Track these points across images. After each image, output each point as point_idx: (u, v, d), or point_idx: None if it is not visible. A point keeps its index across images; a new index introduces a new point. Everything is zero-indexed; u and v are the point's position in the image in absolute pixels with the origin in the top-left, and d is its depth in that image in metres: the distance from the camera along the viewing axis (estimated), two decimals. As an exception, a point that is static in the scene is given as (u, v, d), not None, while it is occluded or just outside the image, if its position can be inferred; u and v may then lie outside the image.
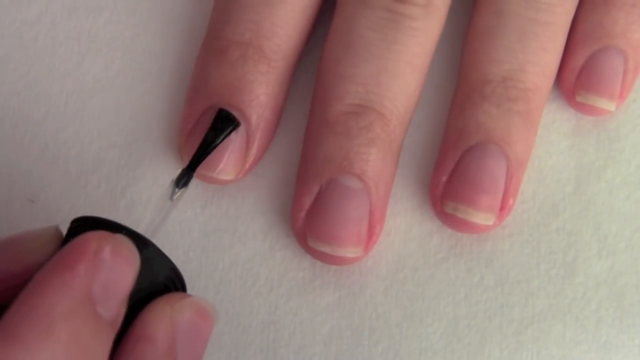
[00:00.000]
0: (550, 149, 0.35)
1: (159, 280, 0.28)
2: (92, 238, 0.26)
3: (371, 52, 0.34)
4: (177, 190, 0.31)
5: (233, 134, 0.33)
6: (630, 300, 0.34)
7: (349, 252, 0.33)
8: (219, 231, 0.35)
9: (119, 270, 0.26)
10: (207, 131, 0.32)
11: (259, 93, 0.34)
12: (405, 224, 0.35)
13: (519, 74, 0.34)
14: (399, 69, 0.34)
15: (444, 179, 0.34)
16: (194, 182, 0.35)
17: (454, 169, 0.34)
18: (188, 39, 0.37)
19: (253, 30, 0.34)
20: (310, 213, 0.33)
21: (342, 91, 0.34)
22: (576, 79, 0.35)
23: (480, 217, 0.33)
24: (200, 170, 0.33)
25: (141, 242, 0.27)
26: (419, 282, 0.34)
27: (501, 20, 0.35)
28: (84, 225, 0.28)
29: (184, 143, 0.34)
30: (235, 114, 0.33)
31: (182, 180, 0.31)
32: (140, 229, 0.29)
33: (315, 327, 0.34)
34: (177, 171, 0.31)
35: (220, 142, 0.32)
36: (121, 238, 0.27)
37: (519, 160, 0.34)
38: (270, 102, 0.34)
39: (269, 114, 0.34)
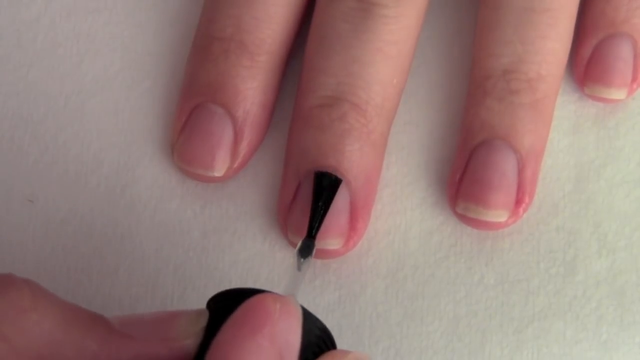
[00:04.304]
0: (550, 148, 0.35)
1: (312, 340, 0.28)
2: (269, 299, 0.26)
3: (341, 43, 0.34)
4: (302, 260, 0.31)
5: (222, 130, 0.34)
6: (631, 298, 0.34)
7: (329, 244, 0.33)
8: (219, 231, 0.35)
9: (292, 328, 0.26)
10: (314, 196, 0.32)
11: (243, 88, 0.34)
12: (405, 223, 0.35)
13: (519, 65, 0.34)
14: (369, 58, 0.34)
15: (457, 178, 0.34)
16: (193, 182, 0.35)
17: (465, 168, 0.34)
18: (187, 39, 0.36)
19: (234, 25, 0.34)
20: (290, 207, 0.33)
21: (315, 84, 0.34)
22: (584, 71, 0.36)
23: (491, 215, 0.33)
24: (189, 167, 0.34)
25: None
26: (419, 281, 0.34)
27: (497, 14, 0.35)
28: (227, 300, 0.27)
29: (175, 141, 0.35)
30: (333, 172, 0.33)
31: (305, 249, 0.31)
32: None
33: (315, 327, 0.34)
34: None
35: (330, 202, 0.32)
36: (288, 297, 0.27)
37: (530, 153, 0.34)
38: (257, 96, 0.34)
39: (256, 109, 0.34)
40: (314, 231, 0.32)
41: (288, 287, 0.30)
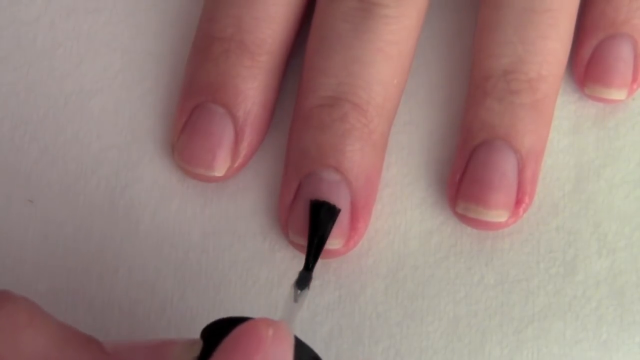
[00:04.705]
0: (550, 148, 0.35)
1: None
2: (261, 324, 0.26)
3: (342, 43, 0.34)
4: (299, 292, 0.31)
5: (222, 130, 0.34)
6: (631, 299, 0.34)
7: (329, 244, 0.33)
8: (219, 231, 0.35)
9: (285, 354, 0.26)
10: (310, 228, 0.32)
11: (244, 88, 0.34)
12: (405, 223, 0.35)
13: (519, 65, 0.34)
14: (370, 58, 0.34)
15: (457, 179, 0.34)
16: (193, 182, 0.35)
17: (465, 168, 0.34)
18: (187, 39, 0.36)
19: (235, 25, 0.34)
20: (291, 208, 0.34)
21: (316, 84, 0.34)
22: (584, 71, 0.36)
23: (491, 215, 0.33)
24: (190, 167, 0.34)
25: None
26: (419, 281, 0.34)
27: (497, 14, 0.35)
28: (221, 328, 0.27)
29: (176, 140, 0.35)
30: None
31: (302, 281, 0.31)
32: None
33: (315, 327, 0.34)
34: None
35: (328, 234, 0.32)
36: (281, 322, 0.26)
37: (530, 153, 0.34)
38: (258, 96, 0.34)
39: (257, 109, 0.34)
40: (310, 264, 0.32)
41: (284, 318, 0.30)
